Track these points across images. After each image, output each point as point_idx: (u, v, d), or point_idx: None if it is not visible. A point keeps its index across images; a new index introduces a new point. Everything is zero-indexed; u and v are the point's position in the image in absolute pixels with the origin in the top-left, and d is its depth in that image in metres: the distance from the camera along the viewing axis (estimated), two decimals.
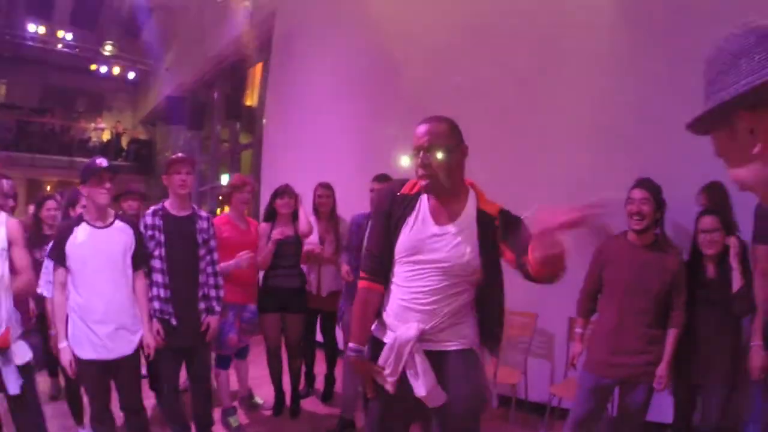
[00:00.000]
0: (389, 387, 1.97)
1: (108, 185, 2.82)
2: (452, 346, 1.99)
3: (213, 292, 3.34)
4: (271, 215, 4.19)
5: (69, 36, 15.95)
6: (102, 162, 2.80)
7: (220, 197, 10.74)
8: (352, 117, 6.26)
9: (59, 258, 2.84)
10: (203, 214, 3.39)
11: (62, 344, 2.83)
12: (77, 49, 16.21)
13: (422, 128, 1.93)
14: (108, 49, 16.30)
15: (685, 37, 3.34)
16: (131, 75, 16.92)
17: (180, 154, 3.38)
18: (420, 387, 1.91)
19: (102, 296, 2.83)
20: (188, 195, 3.30)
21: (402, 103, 5.25)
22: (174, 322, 3.13)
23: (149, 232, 3.15)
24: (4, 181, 3.36)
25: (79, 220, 2.91)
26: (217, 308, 3.34)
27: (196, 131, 12.57)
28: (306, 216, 4.18)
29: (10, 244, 2.62)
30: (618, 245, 2.86)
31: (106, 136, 17.26)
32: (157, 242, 3.15)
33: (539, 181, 4.16)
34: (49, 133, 15.87)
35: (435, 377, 1.93)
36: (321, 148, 6.60)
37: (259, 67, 10.19)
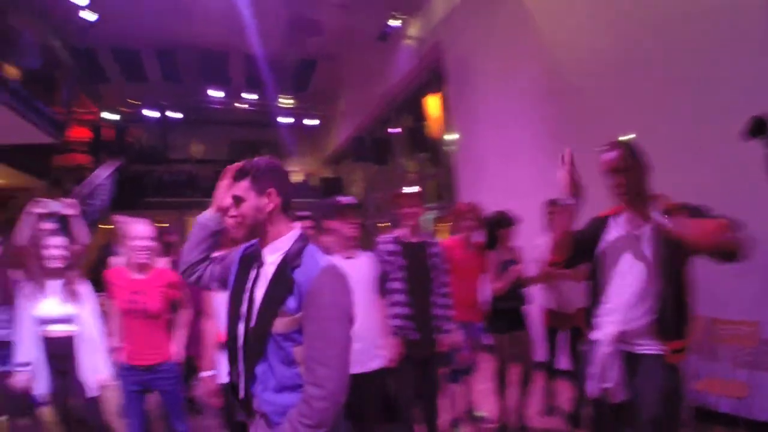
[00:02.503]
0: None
1: (353, 219, 3.62)
2: (646, 350, 2.60)
3: (443, 312, 3.90)
4: (493, 242, 4.75)
5: (248, 96, 19.24)
6: (346, 200, 3.66)
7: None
8: (534, 137, 7.09)
9: None
10: (433, 240, 4.03)
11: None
12: (257, 106, 19.67)
13: (609, 154, 2.63)
14: (284, 102, 19.42)
15: None
16: (309, 122, 19.87)
17: (411, 189, 4.10)
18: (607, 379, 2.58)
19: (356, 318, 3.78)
20: (418, 224, 4.04)
21: (582, 120, 5.99)
22: (414, 336, 3.74)
23: (389, 258, 3.81)
24: None
25: (327, 252, 3.81)
26: (448, 327, 3.91)
27: (381, 166, 14.50)
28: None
29: None
30: None
31: (297, 178, 20.27)
32: (397, 266, 3.79)
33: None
34: None
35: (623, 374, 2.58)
36: (508, 169, 7.58)
37: (433, 97, 11.56)
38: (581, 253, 2.76)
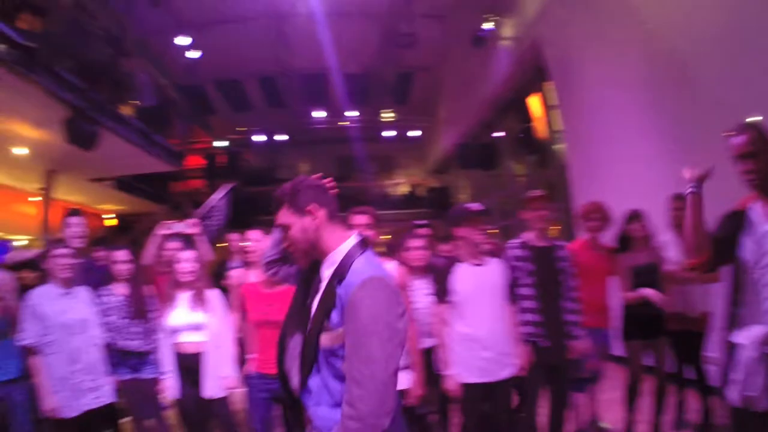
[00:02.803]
0: None
1: (482, 227, 3.66)
2: None
3: (572, 317, 3.85)
4: (625, 242, 4.52)
5: (350, 113, 19.81)
6: (475, 206, 3.72)
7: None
8: (650, 129, 6.75)
9: (442, 294, 3.64)
10: (560, 243, 3.99)
11: (450, 371, 3.55)
12: (359, 123, 20.24)
13: (737, 139, 2.43)
14: (386, 116, 19.83)
15: None
16: (412, 133, 20.12)
17: (537, 192, 4.08)
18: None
19: (484, 325, 3.55)
20: (546, 227, 4.00)
21: (700, 108, 5.60)
22: (544, 344, 3.72)
23: (517, 263, 3.81)
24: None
25: (455, 259, 3.72)
26: (577, 333, 3.85)
27: (488, 171, 14.41)
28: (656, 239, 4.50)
29: (401, 288, 3.60)
30: None
31: (404, 189, 20.57)
32: (526, 272, 3.79)
33: None
34: (350, 194, 19.72)
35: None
36: (625, 165, 7.18)
37: (536, 97, 11.38)
38: (723, 255, 2.52)
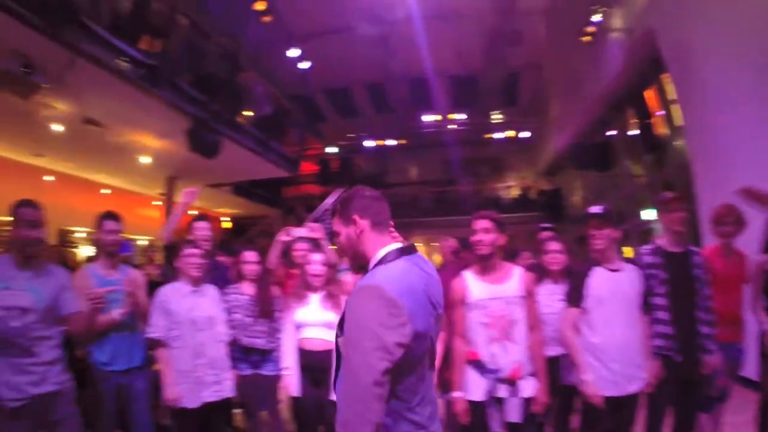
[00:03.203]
0: None
1: (601, 230, 3.50)
2: None
3: (706, 329, 3.59)
4: None
5: (458, 116, 19.78)
6: (596, 209, 3.61)
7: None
8: None
9: (576, 299, 3.55)
10: (695, 249, 3.73)
11: (587, 376, 3.43)
12: (467, 125, 20.10)
13: None
14: (494, 117, 19.60)
15: None
16: (521, 134, 19.79)
17: (670, 193, 3.90)
18: None
19: (615, 335, 3.41)
20: (683, 231, 3.70)
21: None
22: (677, 358, 3.51)
23: (650, 271, 3.62)
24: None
25: (594, 263, 3.58)
26: (710, 347, 3.58)
27: (603, 172, 13.86)
28: None
29: (528, 294, 3.38)
30: None
31: (515, 192, 20.30)
32: (659, 280, 3.60)
33: None
34: (461, 198, 19.61)
35: None
36: (759, 160, 6.41)
37: (652, 91, 10.80)
38: None
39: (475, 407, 3.33)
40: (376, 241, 1.98)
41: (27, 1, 5.80)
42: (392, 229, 1.85)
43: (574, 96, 14.32)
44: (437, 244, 18.18)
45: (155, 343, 3.80)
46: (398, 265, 1.87)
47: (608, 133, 13.53)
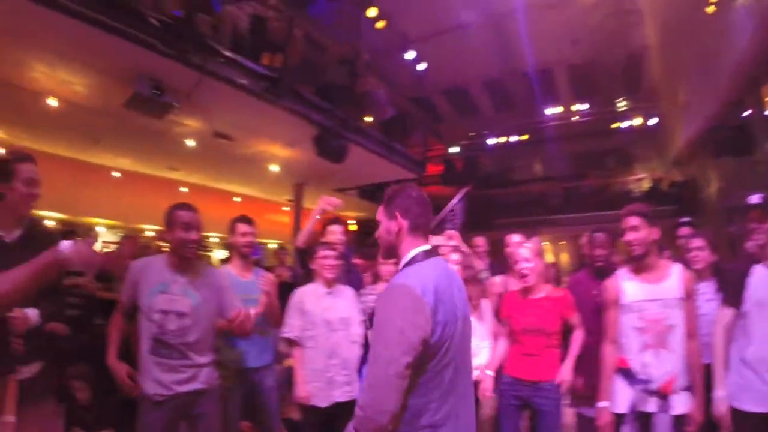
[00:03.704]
0: None
1: (763, 223, 3.29)
2: None
3: None
4: None
5: (580, 107, 19.05)
6: (754, 199, 3.44)
7: None
8: None
9: (734, 300, 3.25)
10: None
11: (721, 392, 3.17)
12: (591, 116, 19.35)
13: None
14: (621, 104, 18.66)
15: None
16: (652, 121, 18.62)
17: None
18: None
19: None
20: None
21: None
22: None
23: None
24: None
25: (753, 259, 3.32)
26: None
27: (741, 157, 12.73)
28: None
29: (687, 295, 3.15)
30: None
31: (645, 185, 19.23)
32: None
33: None
34: (589, 193, 18.80)
35: None
36: None
37: None
38: None
39: (616, 420, 3.19)
40: (410, 242, 2.12)
41: (155, 29, 6.27)
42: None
43: (703, 75, 13.21)
44: (565, 242, 17.69)
45: (290, 343, 3.94)
46: (426, 267, 2.02)
47: (744, 114, 12.44)
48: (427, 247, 2.12)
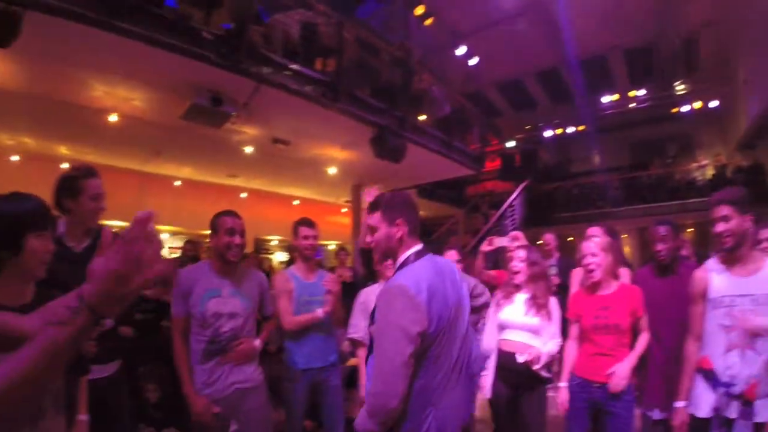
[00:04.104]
0: None
1: None
2: None
3: None
4: None
5: (637, 93, 18.41)
6: None
7: None
8: None
9: None
10: None
11: None
12: (648, 102, 18.58)
13: None
14: (680, 88, 17.89)
15: None
16: (713, 104, 17.74)
17: None
18: None
19: None
20: None
21: None
22: None
23: None
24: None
25: None
26: None
27: None
28: None
29: None
30: None
31: (709, 172, 18.31)
32: None
33: None
34: (651, 183, 18.09)
35: None
36: None
37: None
38: None
39: (698, 424, 2.99)
40: (407, 245, 2.30)
41: (209, 43, 6.43)
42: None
43: (765, 51, 12.60)
44: (626, 236, 17.12)
45: (355, 343, 3.93)
46: (417, 266, 2.22)
47: None
48: (419, 247, 2.31)
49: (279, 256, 14.95)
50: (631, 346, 3.56)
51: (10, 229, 1.81)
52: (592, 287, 3.68)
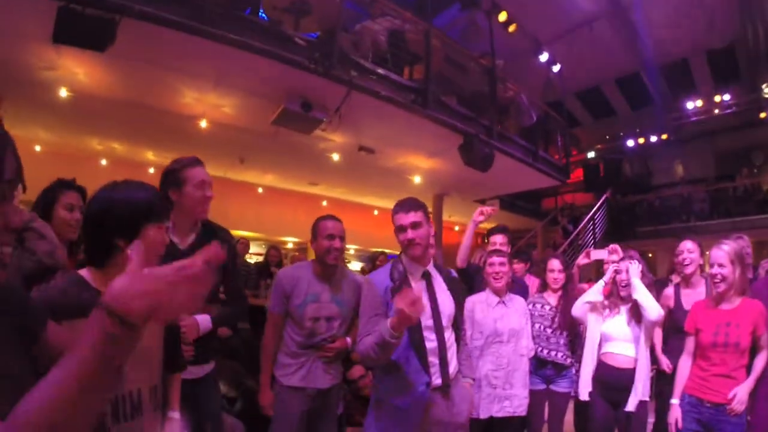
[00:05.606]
0: None
1: None
2: None
3: None
4: None
5: (722, 98, 17.05)
6: None
7: None
8: None
9: None
10: None
11: None
12: (735, 107, 17.01)
13: None
14: (766, 91, 16.38)
15: None
16: None
17: None
18: None
19: None
20: None
21: None
22: None
23: None
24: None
25: None
26: None
27: None
28: None
29: None
30: None
31: None
32: None
33: None
34: (738, 195, 16.64)
35: None
36: None
37: None
38: None
39: None
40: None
41: (301, 49, 6.43)
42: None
43: None
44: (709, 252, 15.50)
45: None
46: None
47: None
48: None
49: (355, 266, 14.71)
50: (748, 366, 3.25)
51: (132, 216, 1.69)
52: (715, 300, 3.40)
